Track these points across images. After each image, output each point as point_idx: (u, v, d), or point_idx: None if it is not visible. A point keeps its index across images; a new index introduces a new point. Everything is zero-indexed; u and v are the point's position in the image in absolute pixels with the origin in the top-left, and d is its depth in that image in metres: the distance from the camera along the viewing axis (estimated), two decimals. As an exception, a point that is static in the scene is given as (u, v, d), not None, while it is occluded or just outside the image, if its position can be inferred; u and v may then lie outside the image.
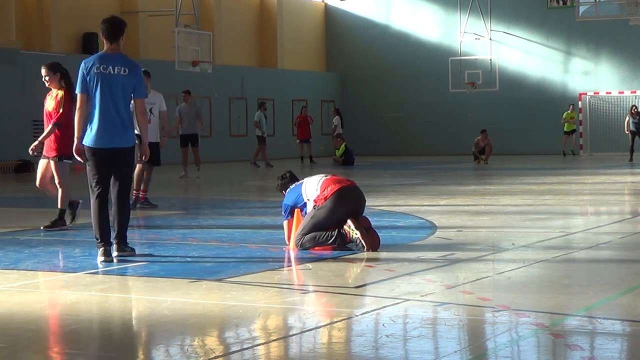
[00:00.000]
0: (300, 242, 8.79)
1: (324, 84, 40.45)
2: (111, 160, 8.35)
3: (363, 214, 8.99)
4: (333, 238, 8.72)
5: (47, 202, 17.53)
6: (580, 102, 35.98)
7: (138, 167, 13.44)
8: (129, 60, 8.51)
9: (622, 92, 35.86)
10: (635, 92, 35.69)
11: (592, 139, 35.48)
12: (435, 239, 9.78)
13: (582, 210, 13.89)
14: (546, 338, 5.29)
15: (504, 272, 7.54)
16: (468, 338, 5.45)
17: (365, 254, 8.51)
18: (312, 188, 9.03)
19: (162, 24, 31.89)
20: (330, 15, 41.24)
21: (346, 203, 8.88)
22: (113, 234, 8.44)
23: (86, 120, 8.38)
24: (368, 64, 40.09)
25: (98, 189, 8.32)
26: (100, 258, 8.25)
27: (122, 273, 7.81)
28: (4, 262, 8.44)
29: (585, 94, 36.16)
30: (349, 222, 8.74)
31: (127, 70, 8.36)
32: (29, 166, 27.03)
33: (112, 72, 8.30)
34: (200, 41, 29.96)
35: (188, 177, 21.89)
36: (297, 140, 31.64)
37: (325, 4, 41.33)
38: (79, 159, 8.58)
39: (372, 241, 8.70)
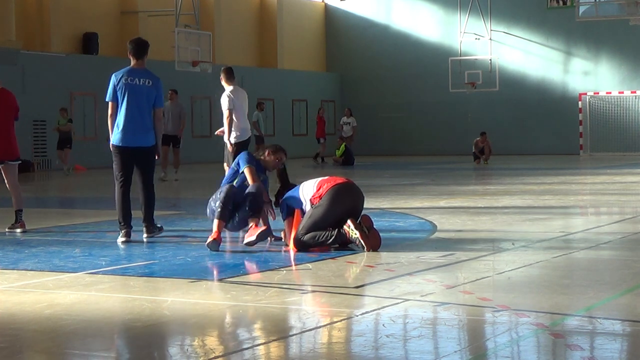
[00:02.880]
0: (299, 243, 8.79)
1: (324, 84, 40.44)
2: (135, 157, 9.87)
3: (364, 213, 8.99)
4: (333, 238, 8.72)
5: (47, 202, 17.54)
6: (580, 102, 35.98)
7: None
8: (152, 74, 10.05)
9: (622, 92, 35.86)
10: (635, 92, 35.70)
11: (592, 139, 35.48)
12: (435, 239, 9.78)
13: (582, 210, 13.89)
14: (546, 338, 5.29)
15: (504, 272, 7.54)
16: (468, 338, 5.45)
17: (366, 254, 8.50)
18: (309, 188, 9.06)
19: (162, 24, 31.89)
20: (330, 15, 41.25)
21: (343, 200, 8.88)
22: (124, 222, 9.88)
23: (114, 124, 9.94)
24: (368, 64, 40.09)
25: (122, 180, 9.87)
26: (121, 239, 9.67)
27: (122, 273, 7.82)
28: (4, 262, 8.44)
29: (585, 94, 36.16)
30: (349, 221, 8.74)
31: (150, 82, 9.92)
32: (29, 166, 27.04)
33: (138, 83, 9.86)
34: (200, 41, 29.94)
35: (166, 180, 21.05)
36: (318, 139, 31.90)
37: (325, 4, 41.33)
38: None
39: (373, 241, 8.70)
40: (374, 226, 8.84)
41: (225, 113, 12.78)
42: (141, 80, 9.86)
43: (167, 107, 21.56)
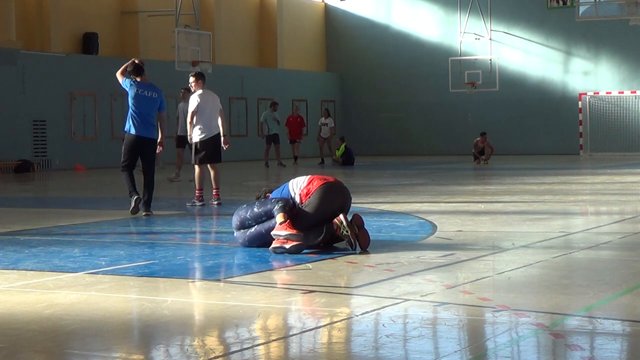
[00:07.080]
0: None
1: (324, 84, 40.44)
2: (141, 146, 12.59)
3: (355, 213, 8.93)
4: (322, 235, 8.65)
5: (47, 202, 17.53)
6: (580, 102, 35.98)
7: (197, 168, 14.36)
8: (155, 86, 13.05)
9: (622, 92, 35.86)
10: (635, 92, 35.70)
11: (592, 139, 35.48)
12: (435, 239, 9.78)
13: (582, 210, 13.89)
14: (546, 338, 5.29)
15: (504, 272, 7.53)
16: (468, 338, 5.45)
17: (365, 254, 8.49)
18: (300, 182, 9.04)
19: (162, 24, 31.89)
20: (330, 15, 41.25)
21: (332, 199, 8.85)
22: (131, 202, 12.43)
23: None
24: (368, 64, 40.10)
25: (127, 164, 12.59)
26: (133, 198, 12.32)
27: (122, 273, 7.81)
28: (4, 262, 8.44)
29: (585, 94, 36.16)
30: (341, 216, 8.67)
31: (156, 94, 12.91)
32: (29, 166, 27.04)
33: (147, 95, 12.82)
34: (200, 41, 29.93)
35: (180, 181, 20.62)
36: (289, 141, 31.11)
37: (325, 4, 41.33)
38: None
39: (363, 240, 8.65)
40: (364, 226, 8.78)
41: (189, 115, 14.23)
42: (149, 92, 12.86)
43: (180, 107, 20.88)
